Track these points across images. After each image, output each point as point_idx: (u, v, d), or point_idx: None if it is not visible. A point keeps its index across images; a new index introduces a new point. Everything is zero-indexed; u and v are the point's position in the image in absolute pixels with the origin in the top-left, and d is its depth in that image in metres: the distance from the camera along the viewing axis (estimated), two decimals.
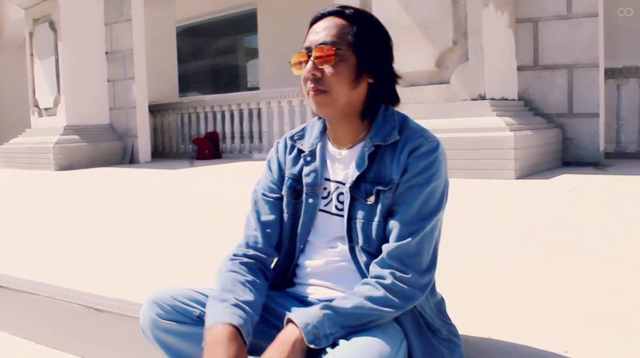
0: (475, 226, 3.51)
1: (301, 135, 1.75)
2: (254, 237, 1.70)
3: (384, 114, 1.62)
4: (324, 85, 1.54)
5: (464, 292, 2.27)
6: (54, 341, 2.54)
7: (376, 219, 1.54)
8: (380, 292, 1.44)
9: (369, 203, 1.55)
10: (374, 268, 1.49)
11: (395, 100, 1.66)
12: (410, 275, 1.46)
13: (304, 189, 1.67)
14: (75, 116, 10.45)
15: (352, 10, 1.59)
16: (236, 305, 1.49)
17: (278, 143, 1.79)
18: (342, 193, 1.62)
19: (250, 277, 1.61)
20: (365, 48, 1.56)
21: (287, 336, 1.38)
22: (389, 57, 1.62)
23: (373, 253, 1.54)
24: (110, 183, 7.65)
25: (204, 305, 1.55)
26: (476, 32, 5.76)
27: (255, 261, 1.67)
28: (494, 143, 5.42)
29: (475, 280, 2.44)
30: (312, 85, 1.55)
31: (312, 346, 1.36)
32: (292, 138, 1.76)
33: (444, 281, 1.87)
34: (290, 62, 1.62)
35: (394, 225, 1.50)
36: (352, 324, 1.40)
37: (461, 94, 5.91)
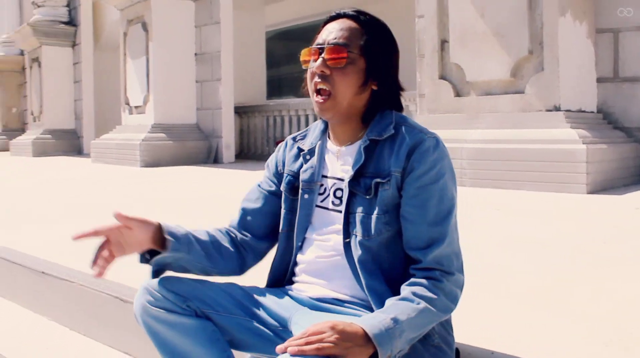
0: (525, 237, 3.44)
1: (303, 136, 1.80)
2: (234, 221, 1.82)
3: (381, 113, 1.65)
4: (330, 84, 1.59)
5: (493, 298, 2.24)
6: (85, 328, 2.65)
7: (375, 212, 1.56)
8: (437, 297, 1.46)
9: (367, 197, 1.57)
10: (419, 272, 1.50)
11: (399, 108, 1.69)
12: (455, 275, 1.51)
13: (300, 186, 1.71)
14: (163, 115, 10.80)
15: (367, 17, 1.64)
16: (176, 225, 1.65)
17: (280, 145, 1.85)
18: (339, 189, 1.64)
19: (217, 234, 1.76)
20: (376, 55, 1.62)
21: (358, 339, 1.30)
22: (396, 68, 1.68)
23: (371, 247, 1.55)
24: (193, 181, 7.89)
25: (194, 295, 1.61)
26: (552, 42, 5.61)
27: (246, 238, 1.78)
28: (566, 156, 5.25)
29: (507, 289, 2.41)
30: (319, 80, 1.60)
31: None
32: (294, 138, 1.82)
33: (473, 288, 1.86)
34: (299, 56, 1.67)
35: (418, 229, 1.53)
36: (414, 337, 1.41)
37: (536, 105, 5.77)
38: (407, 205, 1.54)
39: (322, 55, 1.60)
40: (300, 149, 1.76)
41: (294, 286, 1.72)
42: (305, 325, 1.46)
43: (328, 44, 1.60)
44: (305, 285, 1.69)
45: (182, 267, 1.68)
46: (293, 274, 1.75)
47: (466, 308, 1.70)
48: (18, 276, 3.14)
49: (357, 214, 1.58)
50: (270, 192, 1.80)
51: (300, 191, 1.71)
